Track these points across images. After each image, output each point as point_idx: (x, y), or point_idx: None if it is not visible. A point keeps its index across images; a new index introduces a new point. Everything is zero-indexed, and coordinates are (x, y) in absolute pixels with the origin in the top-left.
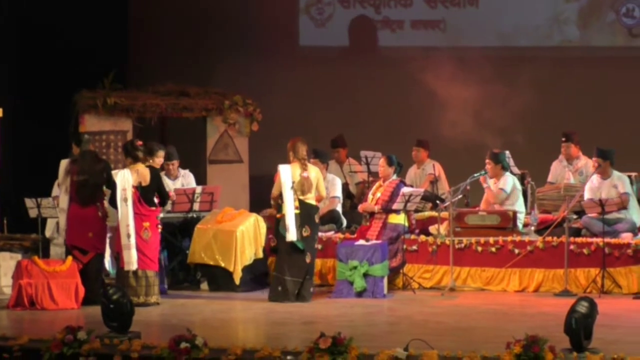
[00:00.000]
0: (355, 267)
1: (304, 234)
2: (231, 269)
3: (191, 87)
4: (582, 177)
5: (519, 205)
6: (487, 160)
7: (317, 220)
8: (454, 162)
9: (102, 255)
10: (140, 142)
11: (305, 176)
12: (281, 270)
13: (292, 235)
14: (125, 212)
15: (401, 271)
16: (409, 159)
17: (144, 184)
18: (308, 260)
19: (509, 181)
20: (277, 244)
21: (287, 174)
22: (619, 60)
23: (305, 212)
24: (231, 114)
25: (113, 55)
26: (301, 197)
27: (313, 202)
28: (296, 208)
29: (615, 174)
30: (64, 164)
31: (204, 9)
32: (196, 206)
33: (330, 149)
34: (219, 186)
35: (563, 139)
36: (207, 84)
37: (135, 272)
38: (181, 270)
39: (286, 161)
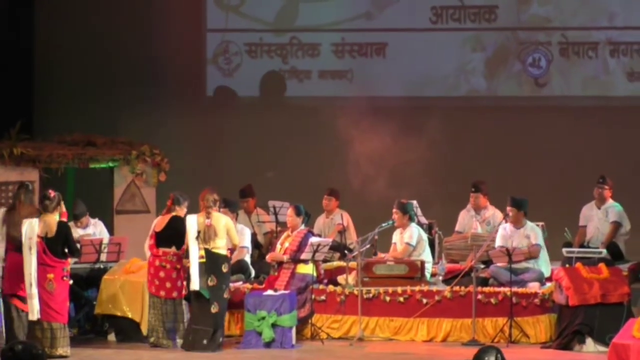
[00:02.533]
0: (263, 318)
1: (210, 284)
2: (138, 320)
3: (98, 136)
4: (489, 227)
5: (426, 255)
6: (394, 210)
7: (225, 269)
8: (362, 212)
9: None
10: (52, 193)
11: (208, 224)
12: (191, 319)
13: (194, 284)
14: (29, 261)
15: (309, 321)
16: (316, 209)
17: (49, 235)
18: (214, 310)
19: (415, 233)
20: (187, 293)
21: (192, 224)
22: (526, 109)
23: (212, 262)
24: (138, 164)
25: (19, 105)
26: (207, 247)
27: (221, 252)
28: (202, 257)
29: (529, 224)
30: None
31: (111, 58)
32: (103, 257)
33: (239, 199)
34: (126, 237)
35: (472, 189)
36: (114, 134)
37: (40, 324)
38: (88, 321)
39: (196, 211)
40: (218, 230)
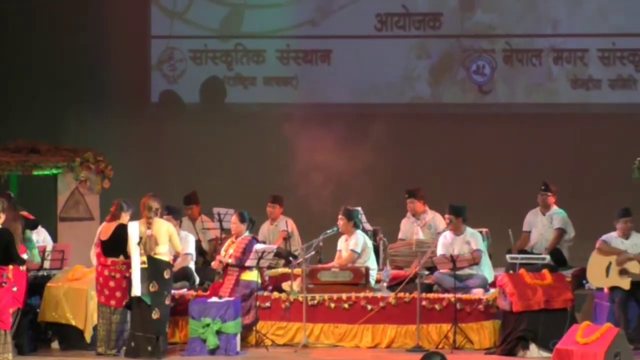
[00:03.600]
0: (208, 325)
1: (151, 290)
2: (82, 327)
3: (42, 143)
4: (431, 231)
5: (371, 262)
6: (340, 216)
7: (167, 276)
8: (307, 219)
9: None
10: None
11: (149, 234)
12: (133, 326)
13: (135, 290)
14: None
15: (254, 328)
16: (261, 216)
17: None
18: (155, 316)
19: (360, 240)
20: (129, 300)
21: (133, 231)
22: (470, 116)
23: (153, 268)
24: (82, 170)
25: None
26: (150, 253)
27: (164, 258)
28: (144, 263)
29: (469, 230)
30: None
31: (55, 64)
32: (46, 264)
33: (183, 206)
34: (70, 244)
35: (407, 196)
36: (58, 141)
37: None
38: (31, 329)
39: (139, 218)
40: (159, 238)
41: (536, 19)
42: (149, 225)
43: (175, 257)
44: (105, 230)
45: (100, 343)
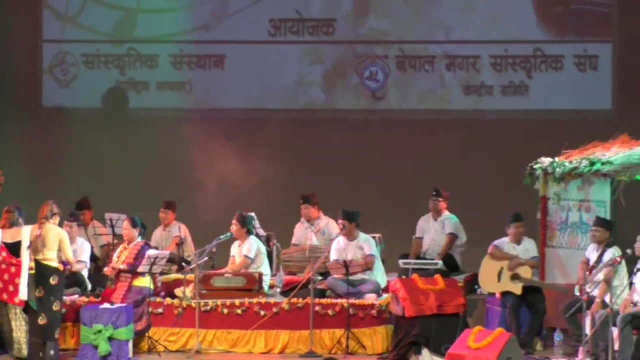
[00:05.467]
0: (100, 331)
1: (38, 295)
2: None
3: None
4: (324, 237)
5: (265, 268)
6: (234, 222)
7: (53, 282)
8: (200, 224)
9: None
10: None
11: (38, 234)
12: (29, 330)
13: (22, 295)
14: None
15: (147, 334)
16: (155, 221)
17: None
18: (42, 322)
19: (254, 246)
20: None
21: (26, 235)
22: (364, 122)
23: (40, 273)
24: None
25: None
26: (38, 258)
27: (51, 264)
28: (32, 269)
29: (362, 236)
30: None
31: None
32: None
33: (75, 212)
34: None
35: (301, 202)
36: None
37: None
38: None
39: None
40: (47, 242)
41: (429, 25)
42: (40, 227)
43: (65, 263)
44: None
45: (16, 345)
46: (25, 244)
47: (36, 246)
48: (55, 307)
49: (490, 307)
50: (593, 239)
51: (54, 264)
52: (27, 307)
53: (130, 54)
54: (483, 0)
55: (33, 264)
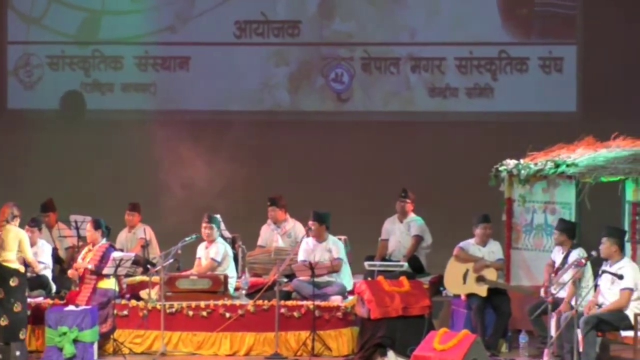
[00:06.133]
0: (64, 333)
1: None
2: None
3: None
4: (290, 239)
5: (230, 270)
6: (204, 224)
7: (13, 283)
8: (166, 226)
9: None
10: None
11: None
12: None
13: None
14: None
15: (111, 336)
16: (121, 223)
17: None
18: (4, 323)
19: (221, 249)
20: None
21: None
22: (329, 124)
23: (0, 275)
24: None
25: None
26: None
27: (11, 265)
28: None
29: (331, 238)
30: None
31: None
32: None
33: (40, 213)
34: None
35: (269, 203)
36: None
37: None
38: None
39: None
40: (6, 243)
41: (394, 27)
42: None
43: (26, 265)
44: None
45: None
46: None
47: None
48: (16, 308)
49: (456, 309)
50: (556, 242)
51: (14, 265)
52: None
53: (95, 55)
54: (448, 2)
55: None
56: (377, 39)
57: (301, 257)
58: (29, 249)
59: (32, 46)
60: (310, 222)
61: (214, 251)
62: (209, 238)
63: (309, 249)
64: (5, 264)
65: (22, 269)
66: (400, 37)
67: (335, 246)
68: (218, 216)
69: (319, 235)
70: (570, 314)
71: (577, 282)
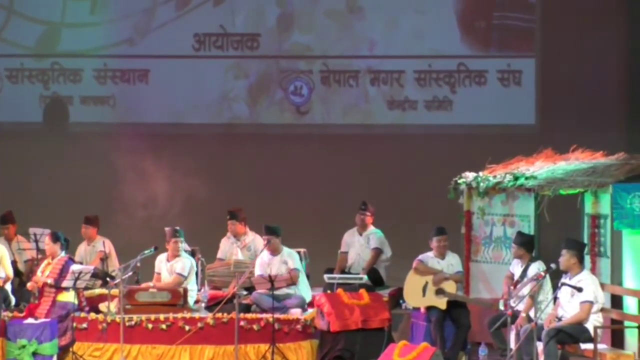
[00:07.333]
0: (24, 346)
1: None
2: None
3: None
4: (250, 252)
5: (191, 283)
6: (172, 239)
7: None
8: (125, 239)
9: None
10: None
11: None
12: None
13: None
14: None
15: (71, 349)
16: (81, 237)
17: None
18: None
19: (187, 264)
20: None
21: None
22: (288, 137)
23: None
24: None
25: None
26: None
27: None
28: None
29: (286, 250)
30: None
31: None
32: None
33: None
34: None
35: (228, 217)
36: None
37: None
38: None
39: None
40: None
41: (353, 40)
42: None
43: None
44: None
45: None
46: None
47: None
48: None
49: (415, 322)
50: (514, 255)
51: None
52: None
53: (54, 67)
54: (407, 15)
55: None
56: (336, 52)
57: (258, 271)
58: (8, 265)
59: None
60: (264, 237)
61: (180, 266)
62: (175, 252)
63: (264, 263)
64: None
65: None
66: (359, 50)
67: (291, 257)
68: (177, 228)
69: (274, 248)
70: (530, 327)
71: (535, 295)
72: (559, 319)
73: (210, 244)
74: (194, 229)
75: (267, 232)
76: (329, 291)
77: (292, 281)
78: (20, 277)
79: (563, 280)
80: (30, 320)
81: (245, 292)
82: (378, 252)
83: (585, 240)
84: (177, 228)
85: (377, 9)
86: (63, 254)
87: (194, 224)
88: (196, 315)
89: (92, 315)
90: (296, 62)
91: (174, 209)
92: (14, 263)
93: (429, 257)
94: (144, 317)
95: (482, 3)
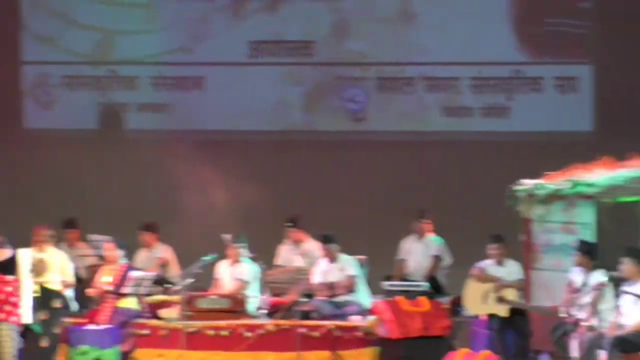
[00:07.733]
0: (85, 352)
1: (42, 318)
2: None
3: None
4: (309, 259)
5: (254, 289)
6: (232, 245)
7: (57, 305)
8: (185, 245)
9: None
10: None
11: (38, 257)
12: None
13: (26, 317)
14: None
15: (131, 356)
16: (140, 243)
17: None
18: (44, 344)
19: (250, 269)
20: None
21: (25, 258)
22: (344, 144)
23: (44, 297)
24: None
25: None
26: (40, 281)
27: (54, 287)
28: (36, 292)
29: (343, 257)
30: None
31: None
32: None
33: (62, 230)
34: None
35: (289, 224)
36: None
37: None
38: None
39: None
40: (50, 265)
41: (407, 47)
42: (39, 250)
43: (67, 285)
44: None
45: None
46: (25, 268)
47: (37, 268)
48: (56, 330)
49: (475, 329)
50: (576, 263)
51: (57, 286)
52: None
53: (110, 75)
54: (460, 22)
55: (37, 287)
56: (390, 59)
57: (317, 279)
58: (70, 272)
59: (48, 66)
60: (322, 246)
61: (241, 271)
62: (236, 258)
63: (323, 270)
64: (47, 286)
65: (64, 290)
66: (413, 57)
67: (348, 264)
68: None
69: (331, 255)
70: (593, 335)
71: (597, 303)
72: (621, 327)
73: (266, 251)
74: (249, 235)
75: (324, 241)
76: (388, 298)
77: (350, 288)
78: (82, 283)
79: (624, 288)
80: (91, 326)
81: (305, 299)
82: (437, 259)
83: None
84: (240, 234)
85: (431, 15)
86: (124, 260)
87: (249, 230)
88: (257, 321)
89: (154, 321)
90: (351, 69)
91: (230, 215)
92: (75, 269)
93: (488, 264)
94: (204, 323)
95: (536, 9)
